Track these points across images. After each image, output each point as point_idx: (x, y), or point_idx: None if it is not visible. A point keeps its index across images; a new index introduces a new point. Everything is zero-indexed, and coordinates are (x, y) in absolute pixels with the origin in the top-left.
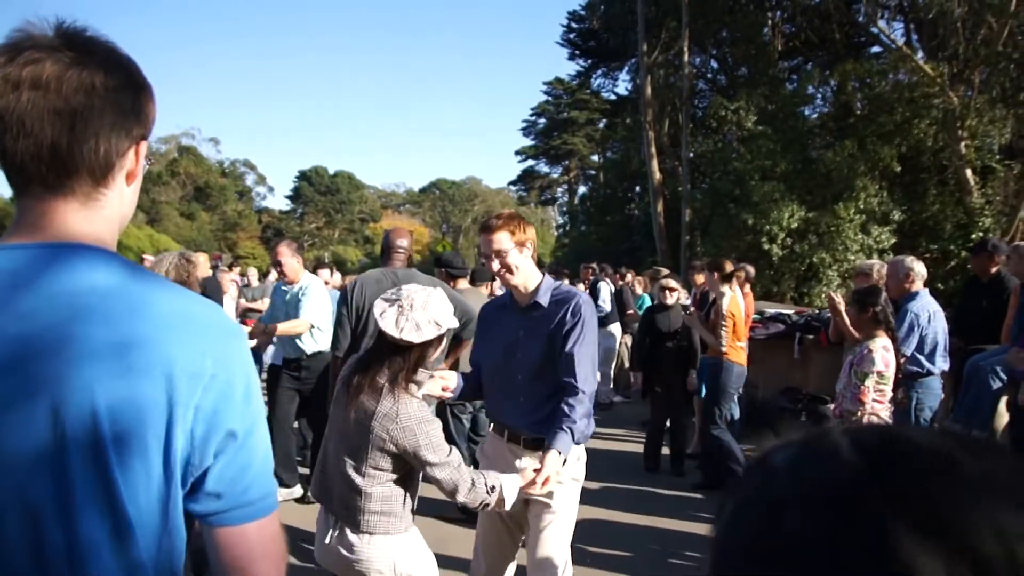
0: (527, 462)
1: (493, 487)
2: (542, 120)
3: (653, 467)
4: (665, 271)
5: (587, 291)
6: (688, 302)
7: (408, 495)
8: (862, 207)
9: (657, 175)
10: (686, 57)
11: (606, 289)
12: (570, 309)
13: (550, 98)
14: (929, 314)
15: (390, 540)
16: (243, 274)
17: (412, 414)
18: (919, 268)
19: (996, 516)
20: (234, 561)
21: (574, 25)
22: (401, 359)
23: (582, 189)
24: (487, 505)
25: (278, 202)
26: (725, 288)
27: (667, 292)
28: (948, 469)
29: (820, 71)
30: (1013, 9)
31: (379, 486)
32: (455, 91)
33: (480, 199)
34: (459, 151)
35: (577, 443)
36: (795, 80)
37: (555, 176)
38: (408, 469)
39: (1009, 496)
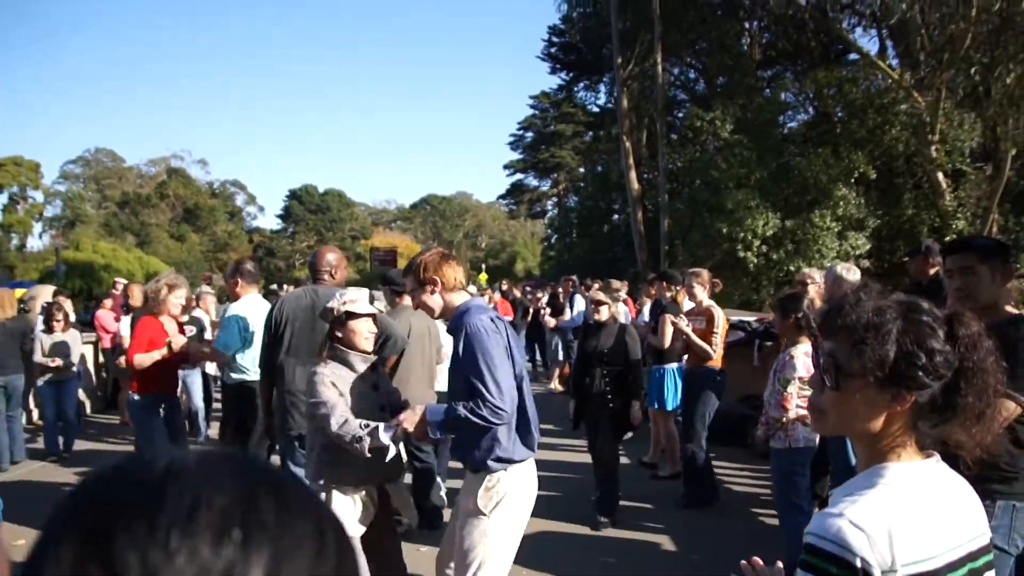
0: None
1: (367, 425)
2: (529, 134)
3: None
4: (618, 284)
5: (566, 302)
6: (627, 319)
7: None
8: (839, 214)
9: (636, 186)
10: (659, 69)
11: (582, 301)
12: (461, 340)
13: (536, 112)
14: None
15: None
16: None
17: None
18: (850, 276)
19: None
20: None
21: (554, 39)
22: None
23: (572, 201)
24: (360, 439)
25: (269, 221)
26: (707, 299)
27: (597, 308)
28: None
29: (794, 79)
30: (975, 14)
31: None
32: (444, 107)
33: (471, 213)
34: (449, 166)
35: (480, 464)
36: (773, 88)
37: (544, 189)
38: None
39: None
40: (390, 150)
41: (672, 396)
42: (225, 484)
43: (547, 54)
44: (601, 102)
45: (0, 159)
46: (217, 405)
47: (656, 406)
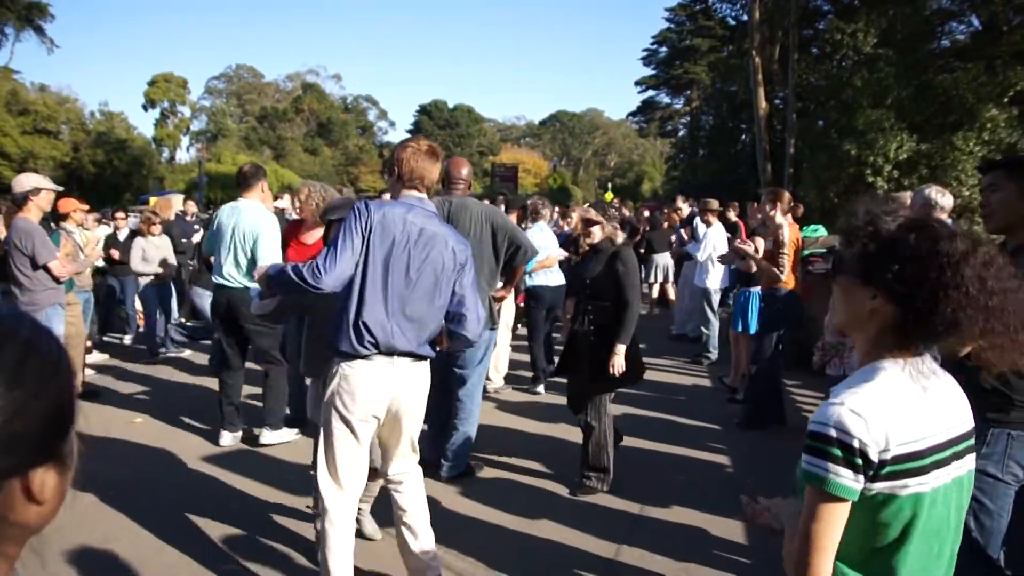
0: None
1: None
2: (663, 49)
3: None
4: (714, 203)
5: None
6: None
7: None
8: (985, 138)
9: (763, 104)
10: None
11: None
12: None
13: (672, 25)
14: None
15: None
16: None
17: None
18: (943, 199)
19: None
20: None
21: None
22: None
23: (705, 120)
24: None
25: (399, 136)
26: (780, 218)
27: (588, 228)
28: None
29: None
30: None
31: None
32: (576, 21)
33: (601, 131)
34: (580, 83)
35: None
36: None
37: (677, 107)
38: None
39: None
40: (521, 66)
41: (754, 320)
42: None
43: None
44: (739, 15)
45: (152, 76)
46: None
47: (740, 329)
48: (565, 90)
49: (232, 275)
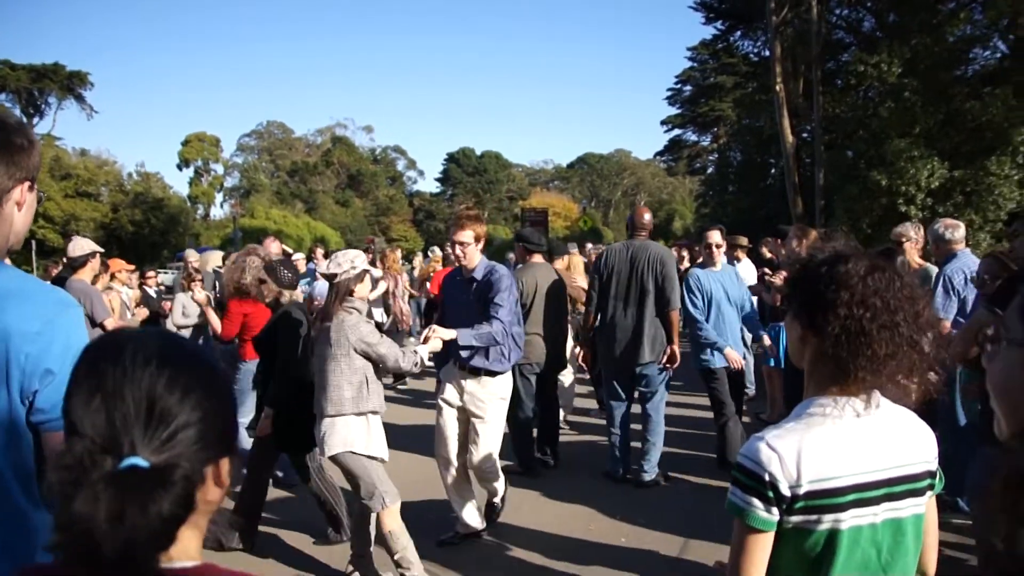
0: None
1: (415, 351)
2: (687, 87)
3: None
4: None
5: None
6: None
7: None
8: (1020, 161)
9: (790, 137)
10: (814, 13)
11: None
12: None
13: (695, 64)
14: (966, 275)
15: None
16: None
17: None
18: (955, 234)
19: None
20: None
21: None
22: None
23: (733, 156)
24: (416, 364)
25: (428, 185)
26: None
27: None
28: None
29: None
30: None
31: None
32: (599, 65)
33: (629, 171)
34: (605, 125)
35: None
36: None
37: (704, 144)
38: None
39: None
40: (546, 111)
41: (784, 354)
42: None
43: (699, 3)
44: (761, 50)
45: (186, 136)
46: None
47: (772, 364)
48: (591, 132)
49: None
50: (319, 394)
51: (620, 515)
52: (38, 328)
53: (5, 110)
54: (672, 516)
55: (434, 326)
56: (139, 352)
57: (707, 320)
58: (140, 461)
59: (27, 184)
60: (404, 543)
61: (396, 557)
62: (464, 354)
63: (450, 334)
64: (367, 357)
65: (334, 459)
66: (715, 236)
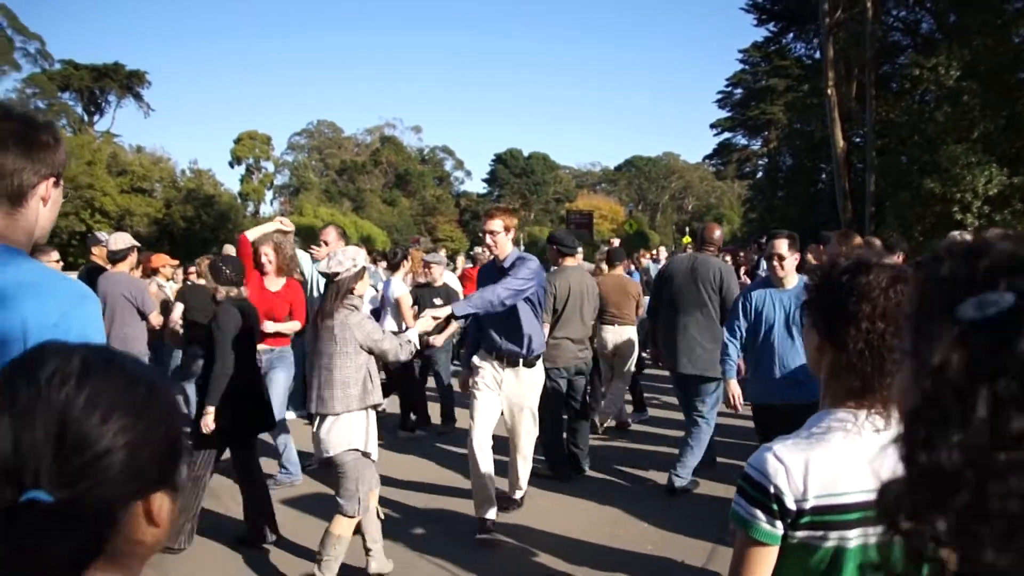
0: (507, 374)
1: (408, 340)
2: (738, 90)
3: None
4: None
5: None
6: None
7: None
8: None
9: (840, 142)
10: (869, 14)
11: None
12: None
13: (746, 67)
14: None
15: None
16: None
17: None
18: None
19: None
20: None
21: None
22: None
23: (783, 161)
24: (410, 352)
25: (475, 186)
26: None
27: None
28: None
29: None
30: None
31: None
32: (647, 67)
33: (677, 175)
34: (654, 127)
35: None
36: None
37: (754, 148)
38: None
39: None
40: (595, 113)
41: None
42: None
43: (752, 4)
44: (813, 53)
45: (238, 134)
46: None
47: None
48: (640, 135)
49: None
50: (323, 393)
51: (649, 521)
52: (55, 320)
53: (66, 107)
54: (701, 524)
55: (428, 310)
56: (59, 369)
57: (751, 346)
58: (42, 495)
59: (52, 180)
60: (339, 553)
61: (324, 558)
62: (498, 343)
63: (444, 311)
64: (370, 352)
65: (335, 458)
66: (782, 246)
